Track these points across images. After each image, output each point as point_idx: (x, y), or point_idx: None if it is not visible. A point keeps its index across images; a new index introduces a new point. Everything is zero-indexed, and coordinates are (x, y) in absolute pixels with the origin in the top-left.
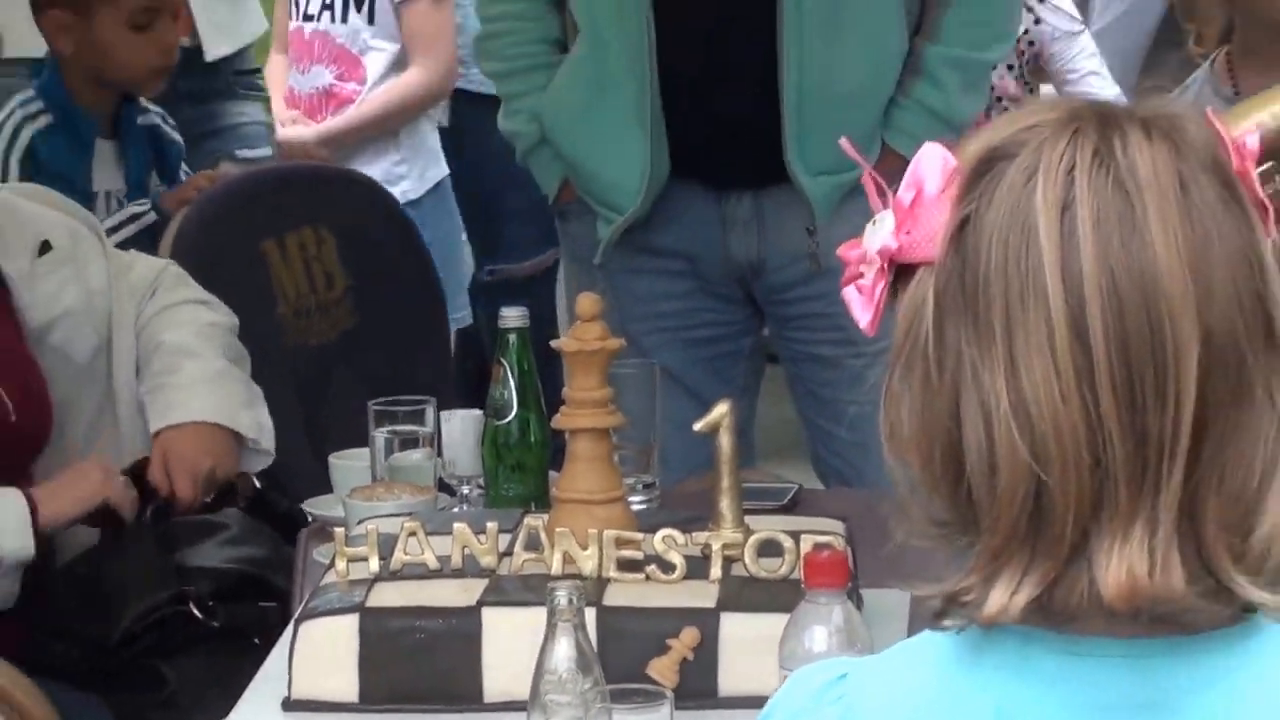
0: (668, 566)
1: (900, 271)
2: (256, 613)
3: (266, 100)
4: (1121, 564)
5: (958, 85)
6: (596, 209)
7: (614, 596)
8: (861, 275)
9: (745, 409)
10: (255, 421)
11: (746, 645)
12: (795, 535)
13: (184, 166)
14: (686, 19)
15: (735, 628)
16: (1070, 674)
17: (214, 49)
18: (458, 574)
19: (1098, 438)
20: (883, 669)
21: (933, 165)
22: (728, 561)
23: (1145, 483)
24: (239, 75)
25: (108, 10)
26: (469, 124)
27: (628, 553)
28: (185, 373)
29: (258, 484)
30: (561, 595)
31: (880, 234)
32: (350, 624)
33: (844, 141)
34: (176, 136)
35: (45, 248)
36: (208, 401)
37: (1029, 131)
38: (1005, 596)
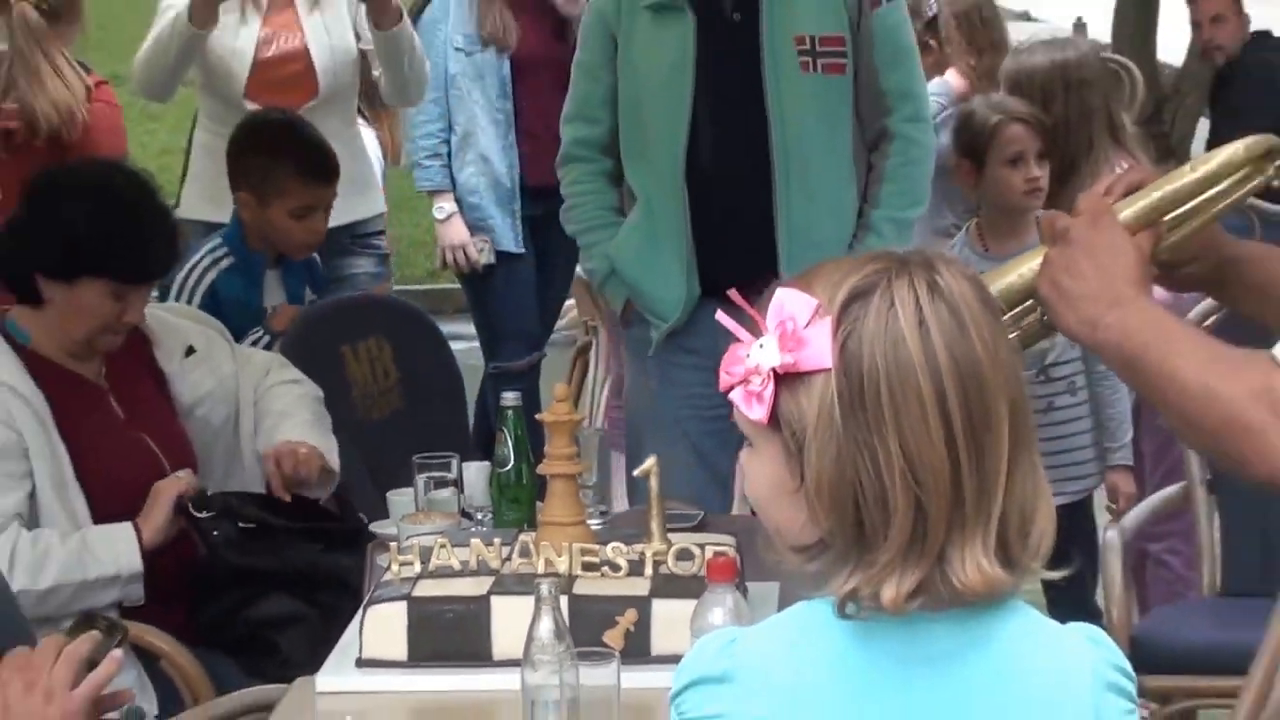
0: (616, 567)
1: (782, 380)
2: (338, 599)
3: (383, 256)
4: (974, 563)
5: (893, 236)
6: (649, 319)
7: (580, 588)
8: (749, 382)
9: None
10: (331, 454)
11: (669, 621)
12: (701, 546)
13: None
14: (710, 190)
15: (662, 609)
16: (894, 633)
17: (336, 220)
18: (474, 573)
19: (959, 476)
20: (759, 634)
21: (799, 306)
22: (656, 564)
23: (982, 505)
24: (358, 238)
25: (279, 202)
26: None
27: (589, 558)
28: (285, 428)
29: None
30: (544, 587)
31: (768, 354)
32: (401, 608)
33: (733, 293)
34: (317, 259)
35: (190, 351)
36: (299, 432)
37: (875, 275)
38: (896, 592)
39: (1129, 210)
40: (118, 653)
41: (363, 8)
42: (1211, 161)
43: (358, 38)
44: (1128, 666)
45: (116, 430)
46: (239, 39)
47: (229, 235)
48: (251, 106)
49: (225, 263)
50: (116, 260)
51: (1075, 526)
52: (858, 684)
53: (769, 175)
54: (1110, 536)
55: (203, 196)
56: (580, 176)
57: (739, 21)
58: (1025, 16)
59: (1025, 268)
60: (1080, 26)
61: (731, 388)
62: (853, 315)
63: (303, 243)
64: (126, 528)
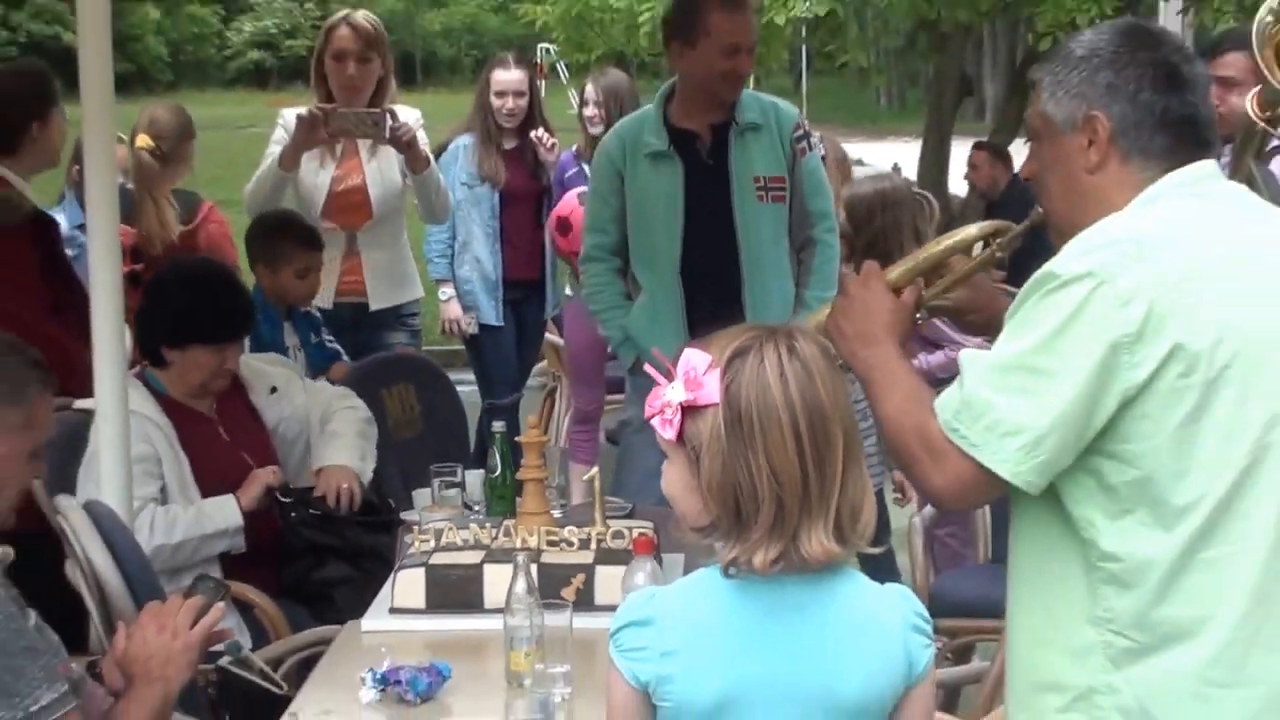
0: (570, 543)
1: (686, 411)
2: (377, 566)
3: (415, 331)
4: (817, 541)
5: (816, 308)
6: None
7: (546, 558)
8: (664, 412)
9: None
10: (364, 468)
11: (608, 581)
12: (630, 529)
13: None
14: (696, 284)
15: (602, 572)
16: (735, 593)
17: (375, 304)
18: (472, 547)
19: (807, 480)
20: (671, 590)
21: (699, 361)
22: (599, 541)
23: (824, 501)
24: (400, 317)
25: (286, 268)
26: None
27: (552, 537)
28: (333, 446)
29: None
30: (520, 557)
31: (677, 393)
32: (421, 572)
33: (655, 351)
34: (316, 314)
35: (273, 389)
36: (342, 455)
37: (751, 340)
38: (763, 559)
39: (895, 272)
40: (222, 604)
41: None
42: (955, 237)
43: (403, 176)
44: (926, 614)
45: (222, 447)
46: (319, 177)
47: (255, 295)
48: (328, 225)
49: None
50: (211, 329)
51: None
52: (739, 624)
53: (739, 272)
54: (915, 523)
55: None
56: (598, 272)
57: (713, 165)
58: (859, 162)
59: (827, 311)
60: (896, 168)
61: (653, 415)
62: (734, 368)
63: (306, 294)
64: (229, 497)
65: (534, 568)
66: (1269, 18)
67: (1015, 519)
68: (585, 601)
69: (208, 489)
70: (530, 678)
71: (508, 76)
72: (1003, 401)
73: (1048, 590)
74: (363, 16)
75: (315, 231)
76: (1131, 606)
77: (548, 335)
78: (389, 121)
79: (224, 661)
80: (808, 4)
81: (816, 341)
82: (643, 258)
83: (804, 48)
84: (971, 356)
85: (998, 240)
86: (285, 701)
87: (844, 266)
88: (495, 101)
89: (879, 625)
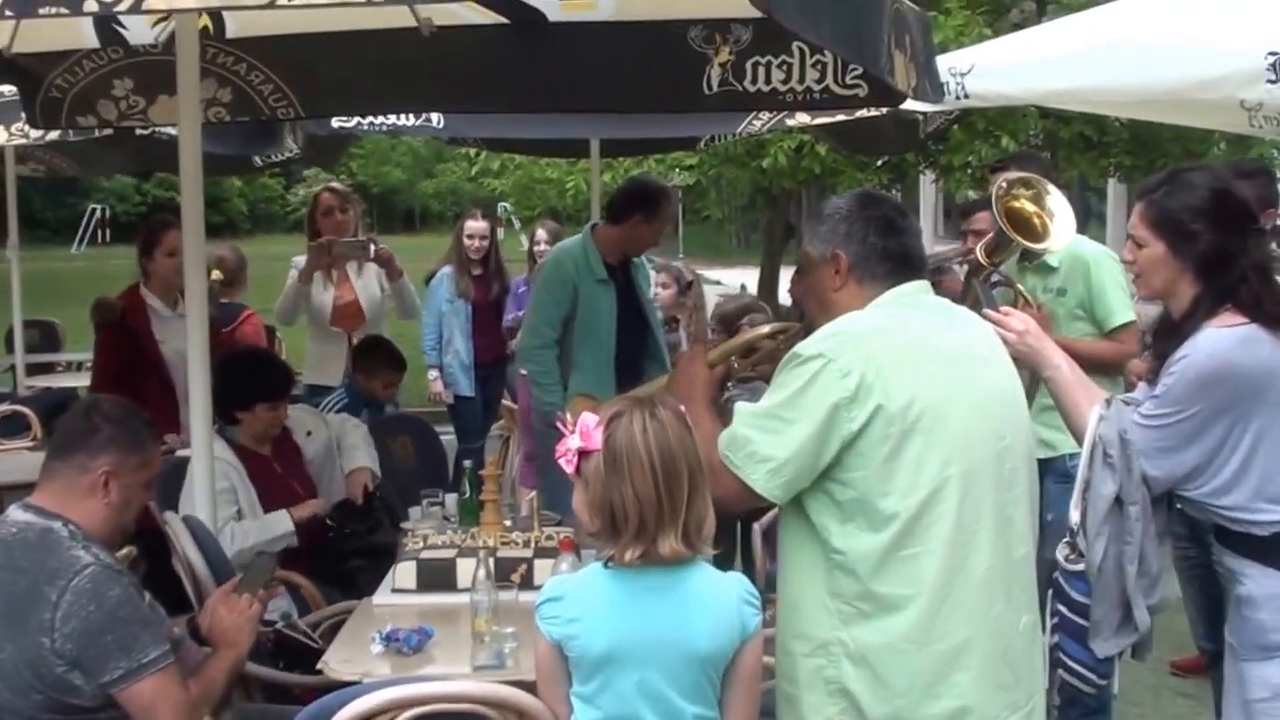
0: (517, 544)
1: (581, 454)
2: (386, 559)
3: (395, 400)
4: (669, 545)
5: None
6: None
7: (500, 554)
8: (568, 455)
9: None
10: (373, 462)
11: (542, 569)
12: (558, 533)
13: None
14: (624, 366)
15: (539, 564)
16: (619, 578)
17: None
18: (449, 547)
19: (661, 503)
20: (577, 577)
21: (591, 420)
22: (536, 542)
23: (674, 517)
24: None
25: (376, 380)
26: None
27: (504, 539)
28: (355, 456)
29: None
30: (483, 552)
31: (575, 442)
32: (413, 564)
33: (560, 414)
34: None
35: (308, 433)
36: (359, 459)
37: (624, 407)
38: (631, 556)
39: (713, 354)
40: (265, 590)
41: (383, 272)
42: (754, 332)
43: (381, 289)
44: (754, 590)
45: (277, 479)
46: (325, 296)
47: (349, 390)
48: (335, 329)
49: (346, 401)
50: (267, 392)
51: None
52: (619, 600)
53: (647, 361)
54: (755, 528)
55: (311, 368)
56: (547, 357)
57: (628, 289)
58: (717, 282)
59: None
60: (743, 287)
61: (560, 457)
62: (613, 425)
63: (388, 398)
64: (283, 512)
65: (491, 560)
66: (1003, 184)
67: (781, 523)
68: (527, 583)
69: (269, 508)
70: (489, 635)
71: (475, 225)
72: (758, 437)
73: (801, 572)
74: (336, 184)
75: (401, 356)
76: (853, 586)
77: (504, 401)
78: (374, 246)
79: (279, 625)
80: (681, 176)
81: (672, 407)
82: (586, 348)
83: (681, 206)
84: (740, 407)
85: (781, 335)
86: (320, 653)
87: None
88: (466, 241)
89: (720, 599)
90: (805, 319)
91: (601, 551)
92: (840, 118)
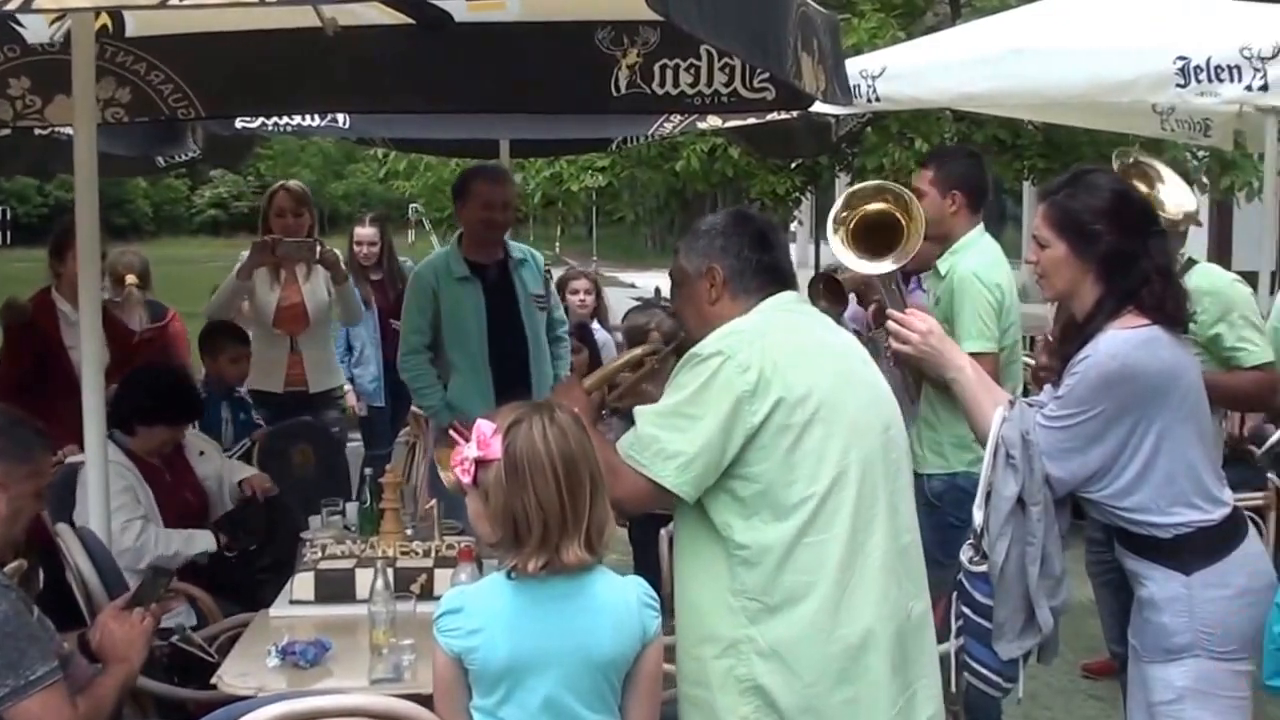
0: (417, 553)
1: (478, 463)
2: (285, 570)
3: (343, 408)
4: (572, 552)
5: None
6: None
7: (400, 563)
8: (464, 464)
9: None
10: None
11: (442, 579)
12: (459, 542)
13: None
14: (502, 366)
15: (439, 573)
16: (517, 587)
17: (314, 388)
18: (348, 557)
19: (564, 510)
20: (477, 587)
21: (488, 428)
22: (437, 551)
23: (577, 524)
24: (331, 398)
25: (224, 355)
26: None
27: (404, 548)
28: (240, 470)
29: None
30: (381, 562)
31: (472, 450)
32: (311, 574)
33: (455, 424)
34: (246, 398)
35: (201, 452)
36: (249, 470)
37: (522, 414)
38: (534, 566)
39: (589, 381)
40: (158, 605)
41: (328, 274)
42: (627, 356)
43: (329, 293)
44: (654, 594)
45: (168, 486)
46: (271, 295)
47: (204, 385)
48: (278, 331)
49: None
50: (173, 416)
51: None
52: (520, 610)
53: (527, 358)
54: (663, 534)
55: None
56: (418, 362)
57: (503, 287)
58: (631, 285)
59: None
60: (657, 290)
61: (456, 466)
62: (513, 433)
63: (238, 377)
64: (208, 532)
65: (390, 570)
66: (843, 211)
67: (677, 524)
68: (427, 594)
69: (165, 514)
70: (387, 648)
71: (364, 231)
72: (665, 435)
73: (702, 571)
74: (294, 183)
75: (243, 330)
76: (758, 579)
77: (412, 408)
78: (320, 248)
79: (175, 639)
80: (594, 178)
81: (570, 412)
82: (456, 349)
83: (594, 208)
84: (640, 410)
85: (653, 357)
86: (217, 667)
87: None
88: (355, 249)
89: (620, 604)
90: (679, 341)
91: (503, 561)
92: (752, 121)
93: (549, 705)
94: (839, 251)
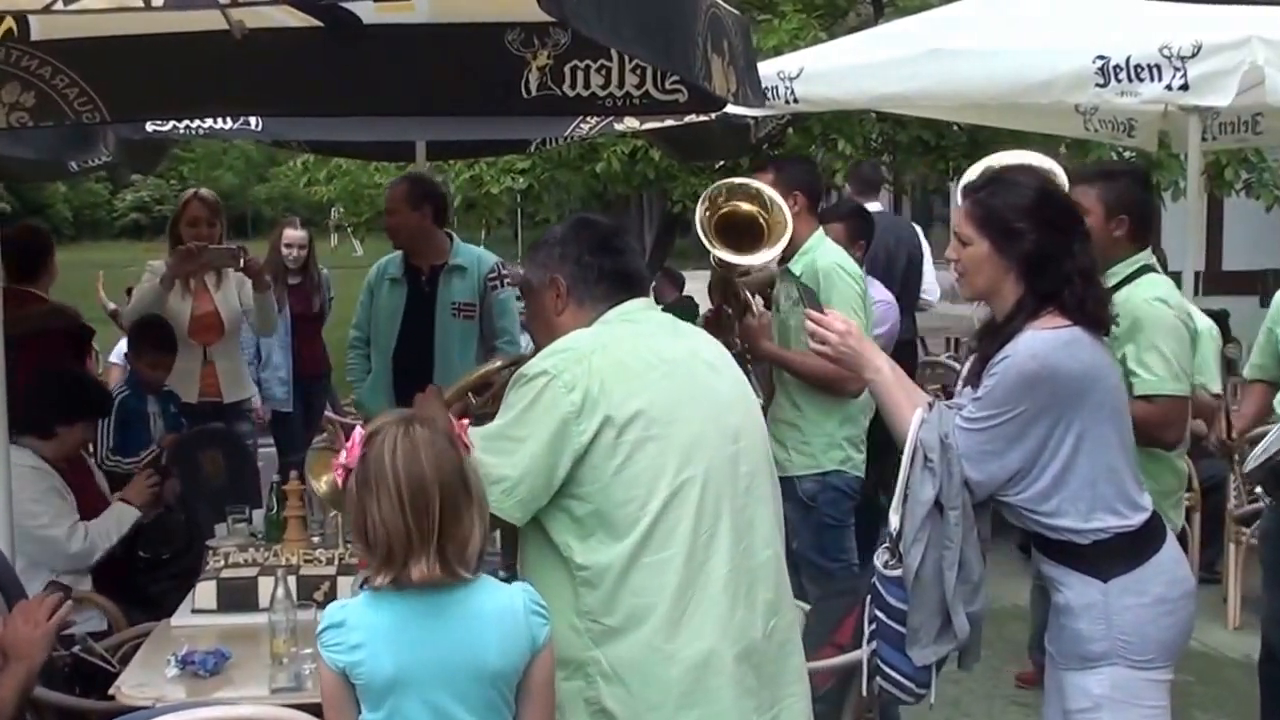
0: (321, 561)
1: (347, 471)
2: (189, 580)
3: (253, 421)
4: (419, 570)
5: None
6: None
7: (303, 571)
8: (339, 471)
9: None
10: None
11: (345, 586)
12: None
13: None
14: (405, 368)
15: (343, 581)
16: (398, 600)
17: (228, 399)
18: (251, 565)
19: (410, 531)
20: (356, 601)
21: (359, 436)
22: (340, 559)
23: (424, 543)
24: (241, 410)
25: (143, 361)
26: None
27: (308, 556)
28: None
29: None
30: (281, 570)
31: (344, 458)
32: (213, 583)
33: (338, 422)
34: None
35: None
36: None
37: (383, 425)
38: (381, 581)
39: (449, 393)
40: (70, 603)
41: (248, 283)
42: (487, 367)
43: (242, 304)
44: (542, 602)
45: (76, 489)
46: (183, 303)
47: (130, 382)
48: (191, 341)
49: (128, 392)
50: (89, 410)
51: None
52: (402, 623)
53: (431, 368)
54: None
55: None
56: (355, 356)
57: (427, 293)
58: None
59: None
60: None
61: (334, 471)
62: (369, 444)
63: (156, 380)
64: (121, 504)
65: (293, 579)
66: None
67: (521, 545)
68: (329, 601)
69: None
70: (287, 658)
71: (294, 234)
72: (490, 460)
73: (548, 592)
74: (206, 192)
75: (172, 338)
76: (599, 600)
77: (328, 412)
78: (244, 255)
79: (76, 648)
80: (515, 180)
81: (434, 426)
82: (375, 349)
83: (518, 210)
84: (475, 430)
85: (514, 366)
86: (118, 677)
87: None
88: (285, 250)
89: (507, 612)
90: (515, 355)
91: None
92: (670, 123)
93: (439, 717)
94: (717, 249)
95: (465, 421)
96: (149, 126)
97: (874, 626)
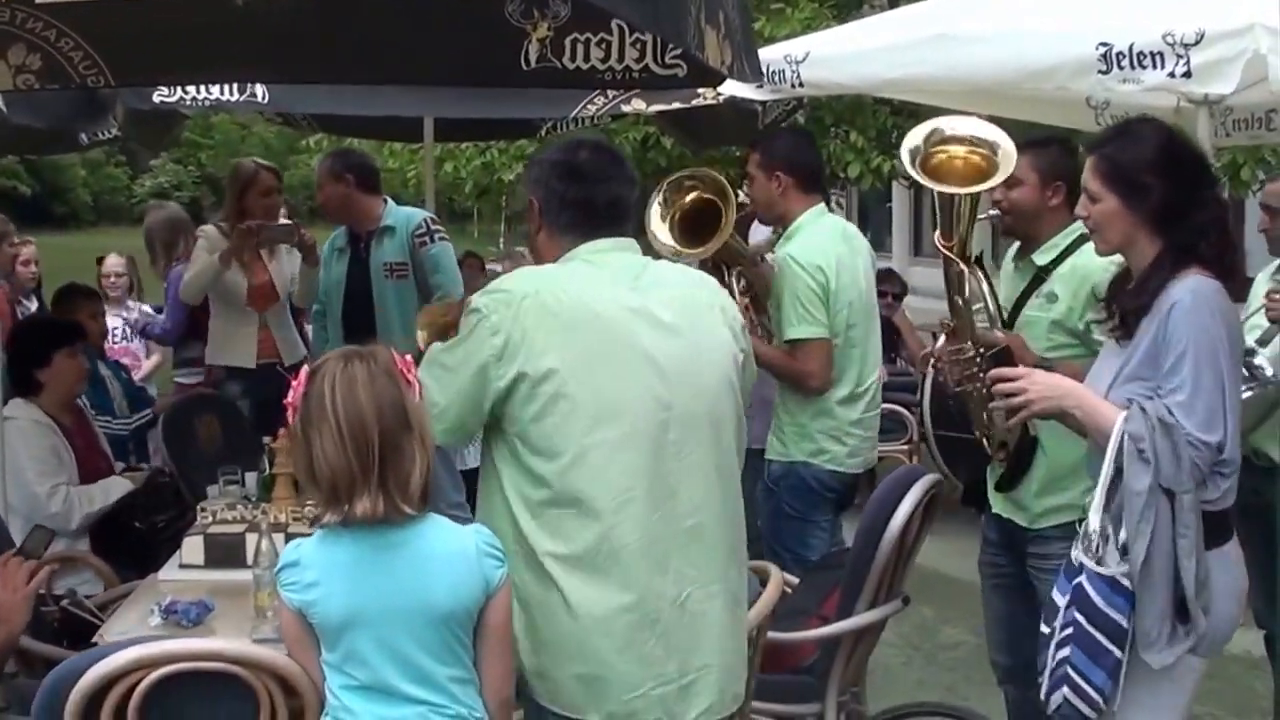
0: (307, 520)
1: (294, 410)
2: (178, 535)
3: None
4: (363, 506)
5: None
6: None
7: (291, 529)
8: (289, 411)
9: None
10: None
11: None
12: None
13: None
14: (353, 330)
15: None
16: (348, 538)
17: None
18: (239, 522)
19: (352, 466)
20: (310, 540)
21: (304, 374)
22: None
23: (366, 478)
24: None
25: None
26: None
27: (296, 514)
28: None
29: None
30: (266, 525)
31: (292, 395)
32: (200, 539)
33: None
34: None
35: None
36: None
37: (325, 360)
38: (329, 519)
39: (422, 330)
40: (47, 568)
41: (297, 255)
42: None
43: (292, 280)
44: (497, 543)
45: (78, 449)
46: (239, 275)
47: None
48: (249, 309)
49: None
50: (61, 337)
51: None
52: (354, 560)
53: (374, 328)
54: None
55: (218, 349)
56: (316, 328)
57: (365, 258)
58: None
59: None
60: None
61: (288, 405)
62: (311, 381)
63: (100, 333)
64: (118, 478)
65: (282, 536)
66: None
67: (482, 476)
68: None
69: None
70: (271, 611)
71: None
72: (428, 382)
73: (492, 512)
74: (265, 162)
75: (89, 286)
76: (527, 530)
77: None
78: (299, 231)
79: (64, 603)
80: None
81: (376, 360)
82: (330, 317)
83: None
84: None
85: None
86: None
87: None
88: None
89: (458, 553)
90: None
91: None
92: (677, 106)
93: (395, 659)
94: (665, 242)
95: (409, 357)
96: (155, 97)
97: (1068, 632)
